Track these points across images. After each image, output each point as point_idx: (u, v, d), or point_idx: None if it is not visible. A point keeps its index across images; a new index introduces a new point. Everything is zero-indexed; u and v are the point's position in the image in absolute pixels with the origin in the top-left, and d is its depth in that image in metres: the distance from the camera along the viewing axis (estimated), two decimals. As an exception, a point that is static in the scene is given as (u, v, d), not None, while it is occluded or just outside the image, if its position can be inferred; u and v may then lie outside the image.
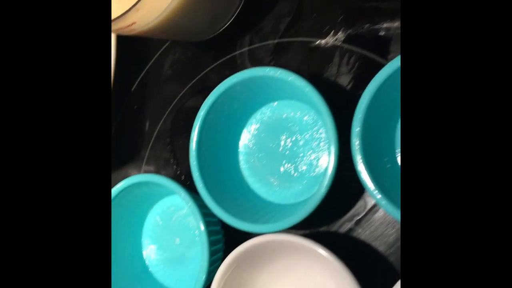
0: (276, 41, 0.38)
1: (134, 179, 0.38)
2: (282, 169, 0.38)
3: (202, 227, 0.35)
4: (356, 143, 0.30)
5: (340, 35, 0.36)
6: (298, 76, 0.32)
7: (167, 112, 0.43)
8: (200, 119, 0.36)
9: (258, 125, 0.38)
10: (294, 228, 0.36)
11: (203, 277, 0.35)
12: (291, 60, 0.38)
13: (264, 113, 0.38)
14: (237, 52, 0.40)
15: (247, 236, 0.38)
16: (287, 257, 0.36)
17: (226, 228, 0.39)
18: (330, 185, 0.31)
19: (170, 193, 0.41)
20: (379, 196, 0.30)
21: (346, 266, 0.31)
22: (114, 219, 0.40)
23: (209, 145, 0.37)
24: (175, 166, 0.43)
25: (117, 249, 0.41)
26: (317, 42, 0.37)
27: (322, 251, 0.32)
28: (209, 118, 0.36)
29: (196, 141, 0.36)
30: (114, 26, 0.31)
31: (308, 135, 0.37)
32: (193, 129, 0.36)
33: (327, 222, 0.36)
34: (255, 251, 0.34)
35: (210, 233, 0.36)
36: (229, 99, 0.36)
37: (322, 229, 0.36)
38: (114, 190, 0.39)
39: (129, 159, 0.44)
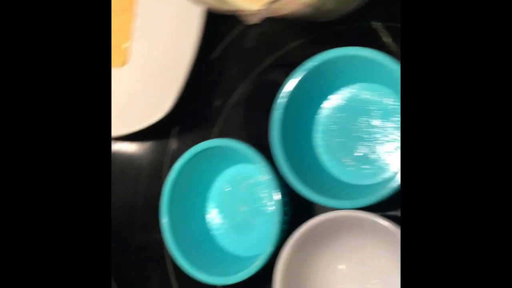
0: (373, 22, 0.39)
1: (215, 142, 0.40)
2: (357, 150, 0.38)
3: (278, 195, 0.37)
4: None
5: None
6: (394, 59, 0.33)
7: (245, 82, 0.44)
8: (286, 93, 0.37)
9: (339, 104, 0.39)
10: (361, 209, 0.37)
11: (272, 245, 0.37)
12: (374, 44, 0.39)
13: (348, 93, 0.39)
14: (326, 30, 0.41)
15: (310, 213, 0.39)
16: (352, 237, 0.37)
17: (292, 202, 0.40)
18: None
19: (241, 161, 0.42)
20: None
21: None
22: (185, 180, 0.42)
23: (290, 118, 0.38)
24: (246, 136, 0.44)
25: (184, 210, 0.42)
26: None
27: (397, 231, 0.33)
28: (294, 93, 0.37)
29: (278, 113, 0.37)
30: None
31: (389, 120, 0.37)
32: (278, 101, 0.37)
33: (395, 207, 0.37)
34: (323, 226, 0.35)
35: (283, 204, 0.37)
36: (316, 75, 0.37)
37: (390, 213, 0.37)
38: (191, 151, 0.41)
39: (203, 123, 0.46)
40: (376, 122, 0.38)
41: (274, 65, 0.43)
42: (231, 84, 0.45)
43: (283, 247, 0.36)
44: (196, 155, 0.41)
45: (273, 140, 0.37)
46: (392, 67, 0.33)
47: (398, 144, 0.37)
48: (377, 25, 0.39)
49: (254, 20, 0.30)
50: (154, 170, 0.47)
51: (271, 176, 0.37)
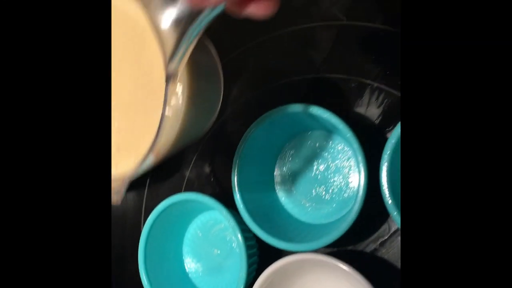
0: (311, 76, 0.43)
1: (181, 196, 0.42)
2: (314, 192, 0.42)
3: (241, 241, 0.40)
4: (383, 175, 0.34)
5: (373, 74, 0.40)
6: (332, 113, 0.36)
7: (209, 134, 0.47)
8: (244, 144, 0.39)
9: (293, 151, 0.43)
10: (321, 248, 0.40)
11: (241, 287, 0.39)
12: (326, 94, 0.42)
13: (300, 141, 0.42)
14: (275, 84, 0.44)
15: (278, 251, 0.42)
16: (316, 273, 0.40)
17: (259, 242, 0.43)
18: (359, 211, 0.35)
19: (210, 208, 0.45)
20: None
21: (369, 282, 0.35)
22: (159, 230, 0.45)
23: (249, 168, 0.41)
24: (214, 184, 0.47)
25: (161, 257, 0.45)
26: (350, 79, 0.41)
27: (348, 269, 0.35)
28: (251, 144, 0.40)
29: (238, 164, 0.40)
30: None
31: (339, 162, 0.41)
32: (236, 152, 0.40)
33: (353, 242, 0.40)
34: (288, 267, 0.38)
35: (247, 247, 0.40)
36: (270, 127, 0.40)
37: (349, 248, 0.40)
38: (160, 206, 0.43)
39: (172, 174, 0.49)
40: (327, 165, 0.41)
41: (234, 115, 0.46)
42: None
43: (251, 288, 0.39)
44: (166, 208, 0.43)
45: (234, 190, 0.40)
46: (332, 120, 0.36)
47: (350, 183, 0.40)
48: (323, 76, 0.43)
49: (118, 199, 0.28)
50: (134, 216, 0.50)
51: (234, 223, 0.40)
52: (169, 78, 0.26)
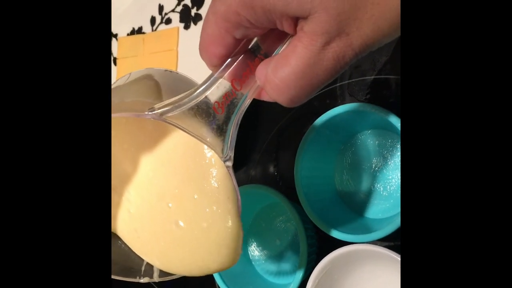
0: (372, 77, 0.45)
1: (246, 188, 0.46)
2: (372, 188, 0.44)
3: (302, 232, 0.42)
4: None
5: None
6: (391, 112, 0.38)
7: (274, 131, 0.50)
8: (306, 141, 0.42)
9: (353, 148, 0.45)
10: (380, 239, 0.42)
11: (301, 274, 0.42)
12: (387, 94, 0.44)
13: (360, 139, 0.45)
14: (338, 84, 0.46)
15: (336, 242, 0.44)
16: (371, 265, 0.42)
17: (319, 234, 0.45)
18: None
19: (273, 200, 0.49)
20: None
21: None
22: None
23: (310, 164, 0.43)
24: (277, 179, 0.50)
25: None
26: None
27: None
28: (312, 142, 0.43)
29: (300, 161, 0.43)
30: None
31: (397, 160, 0.42)
32: (299, 149, 0.42)
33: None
34: (346, 256, 0.41)
35: (307, 237, 0.43)
36: (332, 125, 0.42)
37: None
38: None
39: (237, 173, 0.52)
40: (386, 162, 0.43)
41: (298, 114, 0.49)
42: (262, 134, 0.51)
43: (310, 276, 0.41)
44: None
45: (296, 184, 0.43)
46: (391, 120, 0.38)
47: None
48: (379, 78, 0.45)
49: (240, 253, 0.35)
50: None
51: (296, 215, 0.43)
52: (229, 166, 0.32)
